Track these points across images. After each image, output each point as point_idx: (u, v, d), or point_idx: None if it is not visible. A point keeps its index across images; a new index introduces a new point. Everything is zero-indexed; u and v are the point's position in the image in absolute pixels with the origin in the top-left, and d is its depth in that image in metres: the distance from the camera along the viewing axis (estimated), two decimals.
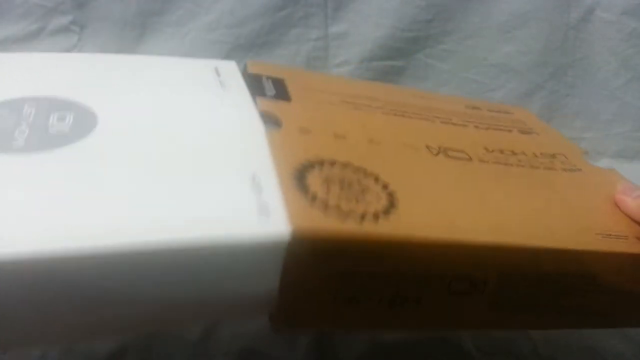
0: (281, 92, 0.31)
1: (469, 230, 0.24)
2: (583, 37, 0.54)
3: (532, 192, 0.29)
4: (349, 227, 0.22)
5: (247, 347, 0.35)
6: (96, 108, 0.26)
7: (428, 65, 0.54)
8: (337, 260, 0.22)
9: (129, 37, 0.53)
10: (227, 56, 0.53)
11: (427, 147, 0.30)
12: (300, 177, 0.23)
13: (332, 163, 0.25)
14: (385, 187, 0.25)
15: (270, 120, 0.27)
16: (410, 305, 0.24)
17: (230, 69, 0.32)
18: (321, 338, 0.35)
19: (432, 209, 0.25)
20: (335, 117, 0.31)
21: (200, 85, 0.30)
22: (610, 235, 0.27)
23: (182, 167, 0.23)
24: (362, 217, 0.22)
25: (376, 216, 0.23)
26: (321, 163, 0.24)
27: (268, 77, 0.32)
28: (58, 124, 0.24)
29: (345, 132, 0.28)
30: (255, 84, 0.31)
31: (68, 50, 0.52)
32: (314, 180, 0.23)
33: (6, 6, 0.51)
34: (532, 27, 0.54)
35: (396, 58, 0.53)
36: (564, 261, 0.25)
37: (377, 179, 0.25)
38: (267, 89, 0.31)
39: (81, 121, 0.25)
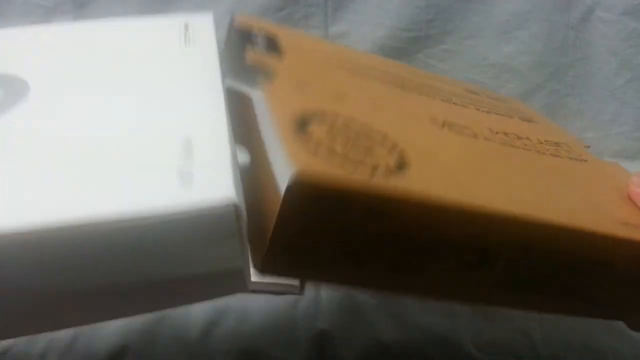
0: (273, 47, 0.28)
1: (485, 197, 0.22)
2: (583, 37, 0.54)
3: (543, 174, 0.27)
4: (358, 179, 0.19)
5: (247, 347, 0.35)
6: (30, 78, 0.24)
7: (428, 65, 0.54)
8: (342, 213, 0.19)
9: None
10: None
11: (432, 118, 0.28)
12: (301, 125, 0.21)
13: (336, 115, 0.22)
14: (394, 146, 0.22)
15: (261, 72, 0.24)
16: (415, 273, 0.22)
17: (204, 23, 0.29)
18: (321, 338, 0.35)
19: (445, 174, 0.23)
20: (334, 77, 0.28)
21: (159, 45, 0.27)
22: (628, 224, 0.24)
23: (112, 137, 0.21)
24: (373, 169, 0.20)
25: (388, 171, 0.20)
26: (324, 114, 0.22)
27: (259, 33, 0.29)
28: None
29: (346, 92, 0.26)
30: (243, 39, 0.28)
31: None
32: (318, 128, 0.21)
33: (6, 6, 0.51)
34: (532, 27, 0.54)
35: (396, 58, 0.53)
36: (581, 243, 0.23)
37: (385, 137, 0.22)
38: (258, 43, 0.28)
39: (11, 93, 0.23)
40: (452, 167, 0.24)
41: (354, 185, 0.19)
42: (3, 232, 0.16)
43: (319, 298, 0.36)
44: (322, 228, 0.20)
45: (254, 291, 0.34)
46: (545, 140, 0.32)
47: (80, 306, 0.18)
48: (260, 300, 0.35)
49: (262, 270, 0.20)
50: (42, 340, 0.32)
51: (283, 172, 0.18)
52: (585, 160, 0.32)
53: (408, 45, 0.53)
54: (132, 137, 0.20)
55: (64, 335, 0.33)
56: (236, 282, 0.19)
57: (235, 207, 0.18)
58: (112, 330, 0.33)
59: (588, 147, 0.35)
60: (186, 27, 0.29)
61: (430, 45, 0.54)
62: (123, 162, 0.19)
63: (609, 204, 0.27)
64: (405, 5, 0.52)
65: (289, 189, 0.18)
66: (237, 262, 0.18)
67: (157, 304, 0.20)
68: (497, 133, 0.30)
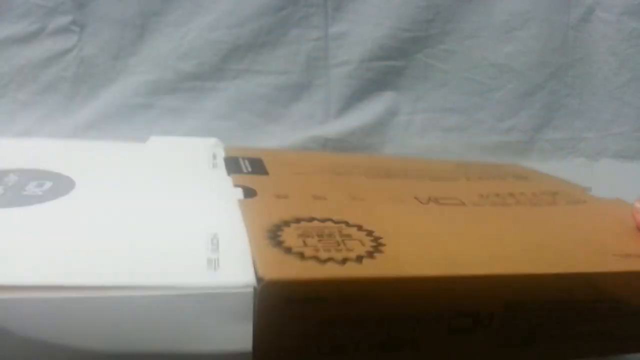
0: (258, 168, 0.32)
1: (465, 264, 0.22)
2: (583, 37, 0.54)
3: (536, 225, 0.28)
4: (327, 270, 0.20)
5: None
6: (75, 177, 0.28)
7: (428, 65, 0.54)
8: (315, 307, 0.20)
9: (129, 37, 0.53)
10: (227, 56, 0.53)
11: (416, 198, 0.29)
12: (273, 235, 0.22)
13: (310, 219, 0.24)
14: (370, 233, 0.23)
15: (245, 192, 0.27)
16: (406, 349, 0.21)
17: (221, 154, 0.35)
18: None
19: (423, 248, 0.23)
20: (314, 183, 0.30)
21: (191, 164, 0.33)
22: (629, 255, 0.24)
23: (147, 226, 0.24)
24: (343, 261, 0.21)
25: (359, 259, 0.21)
26: (297, 221, 0.23)
27: (245, 158, 0.34)
28: (34, 189, 0.27)
29: (324, 194, 0.28)
30: (232, 164, 0.32)
31: (68, 50, 0.52)
32: (289, 236, 0.22)
33: (6, 6, 0.51)
34: (532, 27, 0.54)
35: (396, 58, 0.53)
36: (578, 286, 0.23)
37: (360, 228, 0.24)
38: (244, 167, 0.32)
39: (58, 187, 0.27)
40: (434, 240, 0.24)
41: (323, 277, 0.20)
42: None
43: None
44: (302, 329, 0.20)
45: None
46: (540, 192, 0.32)
47: None
48: None
49: None
50: None
51: (253, 282, 0.19)
52: (585, 202, 0.32)
53: (408, 45, 0.53)
54: (165, 229, 0.23)
55: None
56: None
57: (254, 290, 0.19)
58: None
59: (589, 189, 0.35)
60: (214, 156, 0.34)
61: (430, 45, 0.54)
62: (158, 248, 0.21)
63: (611, 236, 0.27)
64: (405, 5, 0.52)
65: (259, 298, 0.19)
66: (247, 344, 0.20)
67: None
68: (487, 196, 0.31)
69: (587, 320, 0.24)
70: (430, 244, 0.24)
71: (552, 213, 0.30)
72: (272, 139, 0.52)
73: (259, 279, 0.19)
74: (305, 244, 0.21)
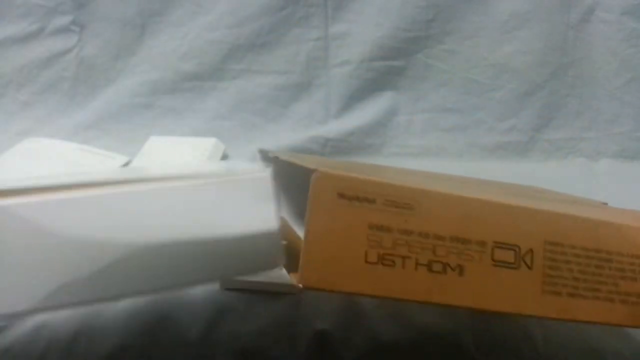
0: None
1: (507, 199, 0.23)
2: (583, 37, 0.54)
3: (568, 203, 0.29)
4: (376, 178, 0.21)
5: (247, 347, 0.35)
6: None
7: (428, 65, 0.54)
8: (364, 208, 0.21)
9: (129, 37, 0.53)
10: (227, 56, 0.53)
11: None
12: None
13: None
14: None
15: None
16: (452, 274, 0.22)
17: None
18: (321, 338, 0.35)
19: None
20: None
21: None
22: None
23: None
24: (391, 179, 0.22)
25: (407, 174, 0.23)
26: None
27: None
28: None
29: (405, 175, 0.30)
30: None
31: (68, 50, 0.52)
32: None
33: (6, 6, 0.51)
34: (532, 27, 0.54)
35: (396, 58, 0.53)
36: (614, 237, 0.23)
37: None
38: None
39: None
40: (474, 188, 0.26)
41: (371, 179, 0.21)
42: None
43: (319, 298, 0.36)
44: (351, 228, 0.21)
45: (253, 291, 0.34)
46: (565, 199, 0.34)
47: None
48: (260, 300, 0.35)
49: (304, 282, 0.21)
50: (42, 340, 0.32)
51: (309, 180, 0.21)
52: (603, 207, 0.34)
53: (408, 45, 0.53)
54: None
55: (64, 335, 0.33)
56: (272, 250, 0.21)
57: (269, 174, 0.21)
58: (112, 330, 0.33)
59: (605, 204, 0.36)
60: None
61: (430, 45, 0.54)
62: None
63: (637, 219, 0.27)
64: (405, 5, 0.52)
65: (314, 186, 0.20)
66: (273, 224, 0.21)
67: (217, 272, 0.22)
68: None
69: (628, 278, 0.24)
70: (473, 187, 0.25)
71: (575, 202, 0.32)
72: (272, 138, 0.52)
73: (313, 171, 0.20)
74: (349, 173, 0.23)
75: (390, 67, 0.53)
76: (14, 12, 0.52)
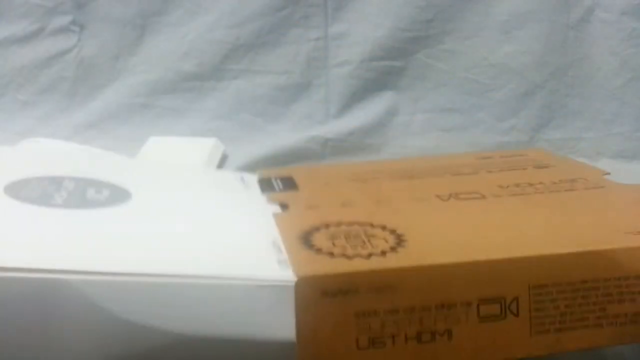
0: (289, 185, 0.34)
1: (485, 249, 0.24)
2: (583, 37, 0.54)
3: (553, 210, 0.29)
4: (354, 264, 0.22)
5: None
6: (131, 189, 0.29)
7: (428, 65, 0.54)
8: (349, 300, 0.21)
9: (129, 37, 0.53)
10: (227, 56, 0.53)
11: (437, 196, 0.31)
12: (305, 239, 0.25)
13: (338, 224, 0.26)
14: (393, 231, 0.25)
15: (279, 206, 0.30)
16: (441, 340, 0.22)
17: (252, 178, 0.37)
18: None
19: (443, 239, 0.25)
20: (342, 192, 0.33)
21: (232, 189, 0.35)
22: None
23: (213, 233, 0.26)
24: (369, 256, 0.23)
25: (383, 253, 0.23)
26: (327, 226, 0.26)
27: (277, 177, 0.36)
28: (95, 195, 0.28)
29: (352, 201, 0.31)
30: (265, 185, 0.35)
31: (68, 50, 0.52)
32: (319, 239, 0.25)
33: (6, 6, 0.51)
34: (532, 27, 0.54)
35: (396, 58, 0.53)
36: (597, 264, 0.23)
37: (384, 228, 0.26)
38: (276, 186, 0.34)
39: (116, 195, 0.29)
40: (451, 232, 0.26)
41: (350, 270, 0.22)
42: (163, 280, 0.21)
43: None
44: (339, 321, 0.21)
45: None
46: (559, 180, 0.34)
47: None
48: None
49: None
50: None
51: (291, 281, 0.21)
52: (603, 187, 0.33)
53: (408, 45, 0.53)
54: (231, 234, 0.26)
55: None
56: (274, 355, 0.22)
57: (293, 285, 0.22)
58: None
59: (608, 173, 0.36)
60: (242, 179, 0.36)
61: (430, 45, 0.54)
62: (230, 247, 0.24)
63: (627, 216, 0.28)
64: (405, 5, 0.52)
65: (297, 293, 0.21)
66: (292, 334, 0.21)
67: None
68: (507, 187, 0.32)
69: (615, 301, 0.24)
70: (450, 235, 0.26)
71: (570, 198, 0.31)
72: (272, 139, 0.52)
73: (295, 279, 0.21)
74: (334, 245, 0.24)
75: (390, 67, 0.53)
76: (14, 12, 0.52)
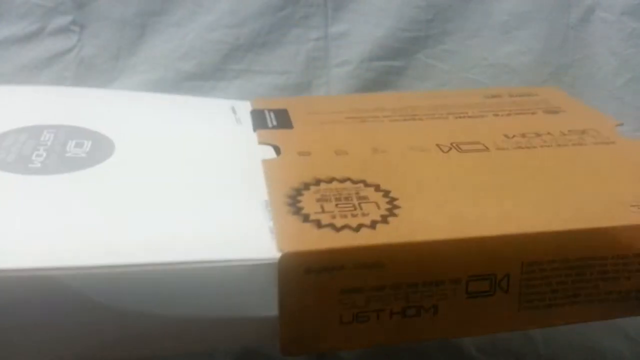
0: (283, 121, 0.32)
1: (478, 225, 0.22)
2: (583, 37, 0.54)
3: (557, 172, 0.28)
4: (342, 238, 0.21)
5: (247, 347, 0.35)
6: (114, 137, 0.28)
7: (428, 65, 0.54)
8: (333, 276, 0.21)
9: (129, 37, 0.53)
10: (227, 56, 0.53)
11: (438, 145, 0.29)
12: (293, 199, 0.23)
13: (330, 180, 0.25)
14: (386, 194, 0.24)
15: (271, 149, 0.28)
16: (426, 315, 0.22)
17: (244, 107, 0.35)
18: None
19: (437, 210, 0.24)
20: (338, 134, 0.31)
21: (217, 123, 0.33)
22: None
23: (196, 194, 0.24)
24: (357, 229, 0.22)
25: (373, 225, 0.22)
26: (317, 183, 0.25)
27: (270, 110, 0.34)
28: (75, 150, 0.27)
29: (347, 148, 0.29)
30: (258, 118, 0.33)
31: (68, 50, 0.52)
32: (308, 201, 0.23)
33: (6, 6, 0.51)
34: (532, 27, 0.54)
35: (396, 58, 0.53)
36: (596, 242, 0.22)
37: (377, 188, 0.24)
38: (269, 120, 0.32)
39: (98, 148, 0.27)
40: (449, 198, 0.25)
41: (337, 247, 0.21)
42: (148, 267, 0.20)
43: None
44: (323, 298, 0.21)
45: None
46: (568, 131, 0.32)
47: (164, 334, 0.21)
48: None
49: (285, 353, 0.22)
50: None
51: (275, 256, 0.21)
52: (614, 142, 0.32)
53: (408, 45, 0.53)
54: (215, 190, 0.25)
55: None
56: (264, 331, 0.22)
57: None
58: None
59: (621, 124, 0.34)
60: (233, 109, 0.35)
61: (430, 45, 0.54)
62: (215, 211, 0.23)
63: (633, 185, 0.26)
64: (405, 5, 0.52)
65: (279, 270, 0.20)
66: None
67: (206, 342, 0.23)
68: (512, 137, 0.30)
69: (610, 279, 0.23)
70: (444, 204, 0.24)
71: (576, 155, 0.30)
72: None
73: (281, 253, 0.20)
74: (322, 210, 0.23)
75: (390, 67, 0.53)
76: (14, 12, 0.51)
